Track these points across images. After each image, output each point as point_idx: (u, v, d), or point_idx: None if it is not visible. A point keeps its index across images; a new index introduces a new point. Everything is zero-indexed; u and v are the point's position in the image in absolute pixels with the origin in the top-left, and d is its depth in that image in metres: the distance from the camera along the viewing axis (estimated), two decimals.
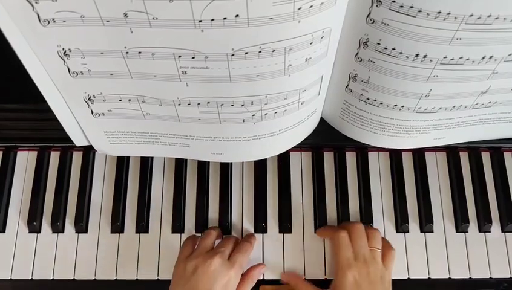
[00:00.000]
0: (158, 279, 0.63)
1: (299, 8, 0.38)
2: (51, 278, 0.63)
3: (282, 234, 0.65)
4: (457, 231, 0.66)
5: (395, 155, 0.69)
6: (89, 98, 0.50)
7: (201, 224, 0.65)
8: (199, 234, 0.65)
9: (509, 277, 0.64)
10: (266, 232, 0.65)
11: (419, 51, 0.44)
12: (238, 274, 0.57)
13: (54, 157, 0.68)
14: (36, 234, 0.65)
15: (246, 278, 0.60)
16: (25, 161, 0.68)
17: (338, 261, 0.58)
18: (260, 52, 0.41)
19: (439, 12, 0.40)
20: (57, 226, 0.64)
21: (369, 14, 0.43)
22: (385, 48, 0.45)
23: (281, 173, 0.68)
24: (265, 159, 0.67)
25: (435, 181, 0.68)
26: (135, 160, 0.68)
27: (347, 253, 0.58)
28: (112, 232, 0.65)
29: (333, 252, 0.61)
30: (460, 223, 0.65)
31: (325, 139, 0.64)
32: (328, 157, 0.69)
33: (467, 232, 0.66)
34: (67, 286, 0.63)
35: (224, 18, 0.38)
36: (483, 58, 0.45)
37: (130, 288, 0.63)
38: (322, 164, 0.68)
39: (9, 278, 0.63)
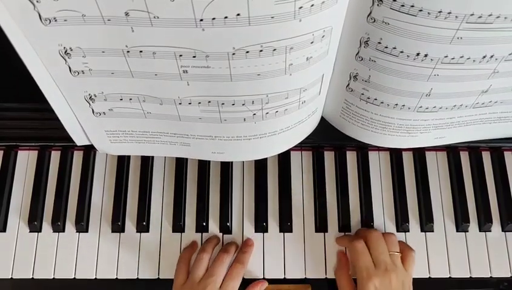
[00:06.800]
0: (158, 278, 0.63)
1: (301, 7, 0.38)
2: (52, 277, 0.63)
3: (282, 233, 0.65)
4: (457, 230, 0.66)
5: (395, 154, 0.69)
6: (90, 97, 0.50)
7: (202, 223, 0.65)
8: (197, 236, 0.65)
9: (509, 276, 0.64)
10: (267, 231, 0.65)
11: (419, 50, 0.44)
12: None
13: (55, 156, 0.68)
14: (36, 233, 0.65)
15: None
16: (25, 160, 0.68)
17: (358, 271, 0.58)
18: (261, 51, 0.41)
19: (440, 12, 0.40)
20: (58, 226, 0.64)
21: (370, 13, 0.43)
22: (386, 47, 0.45)
23: (281, 172, 0.68)
24: (266, 159, 0.67)
25: (435, 180, 0.68)
26: (136, 159, 0.68)
27: (366, 262, 0.57)
28: (112, 231, 0.65)
29: (352, 261, 0.60)
30: (461, 222, 0.65)
31: (326, 139, 0.64)
32: (329, 157, 0.69)
33: (467, 231, 0.66)
34: (68, 285, 0.63)
35: (225, 17, 0.38)
36: (484, 57, 0.45)
37: (130, 287, 0.63)
38: (322, 163, 0.68)
39: (10, 277, 0.63)
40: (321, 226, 0.65)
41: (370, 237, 0.60)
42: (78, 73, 0.46)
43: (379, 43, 0.45)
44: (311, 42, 0.42)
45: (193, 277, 0.58)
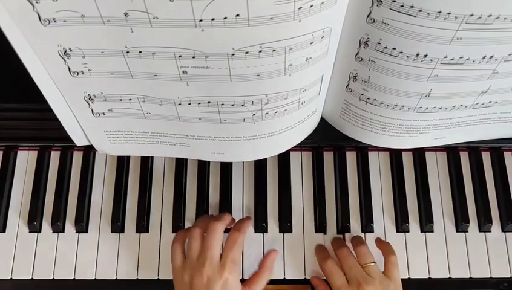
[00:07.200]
0: (158, 279, 0.63)
1: (300, 8, 0.38)
2: (51, 277, 0.63)
3: (282, 233, 0.65)
4: (457, 231, 0.66)
5: (395, 155, 0.69)
6: (90, 97, 0.50)
7: None
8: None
9: (509, 276, 0.64)
10: (266, 231, 0.65)
11: (419, 50, 0.44)
12: (233, 271, 0.55)
13: (55, 157, 0.68)
14: (36, 233, 0.65)
15: (261, 270, 0.61)
16: (25, 161, 0.68)
17: None
18: (261, 51, 0.41)
19: (440, 12, 0.40)
20: (58, 226, 0.64)
21: (369, 13, 0.43)
22: (386, 48, 0.45)
23: (281, 173, 0.68)
24: (266, 159, 0.68)
25: (435, 181, 0.68)
26: (136, 159, 0.68)
27: (338, 282, 0.57)
28: (112, 232, 0.65)
29: (328, 282, 0.59)
30: (461, 222, 0.65)
31: (326, 139, 0.64)
32: (329, 157, 0.69)
33: (467, 231, 0.66)
34: (67, 286, 0.63)
35: (225, 17, 0.38)
36: (484, 58, 0.45)
37: (130, 288, 0.63)
38: (322, 164, 0.68)
39: (10, 277, 0.63)
40: (320, 226, 0.65)
41: (338, 255, 0.60)
42: (78, 73, 0.46)
43: (379, 43, 0.45)
44: (311, 43, 0.42)
45: (190, 255, 0.56)
